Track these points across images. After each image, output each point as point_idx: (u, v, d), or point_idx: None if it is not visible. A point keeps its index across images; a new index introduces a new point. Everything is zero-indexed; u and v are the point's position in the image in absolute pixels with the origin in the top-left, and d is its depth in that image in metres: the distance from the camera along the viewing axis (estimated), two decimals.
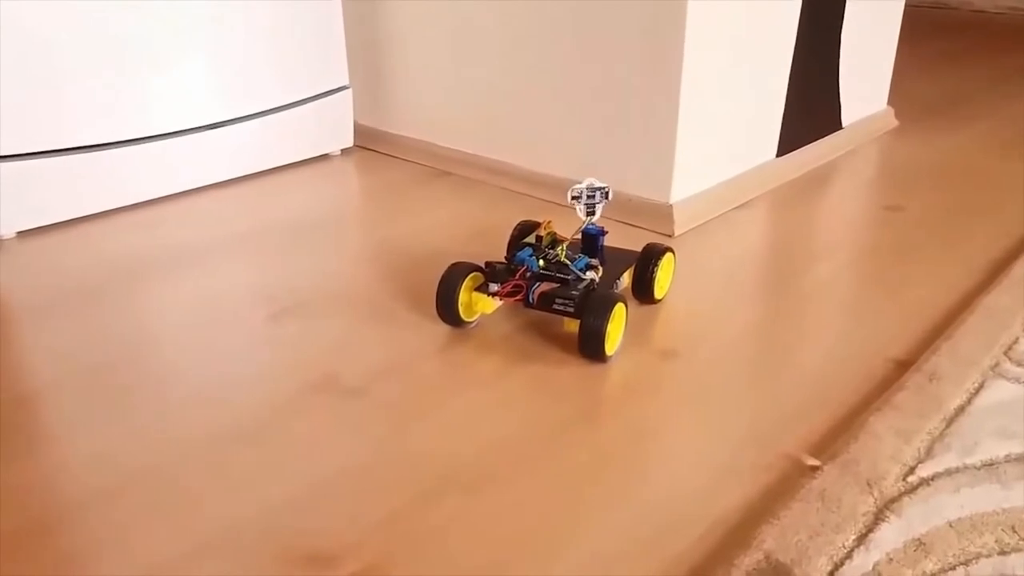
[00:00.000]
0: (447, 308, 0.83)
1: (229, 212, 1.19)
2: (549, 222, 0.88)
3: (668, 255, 0.90)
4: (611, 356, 0.80)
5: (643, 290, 0.89)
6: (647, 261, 0.88)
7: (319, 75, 1.36)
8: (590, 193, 0.83)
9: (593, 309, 0.77)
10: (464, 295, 0.83)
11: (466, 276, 0.83)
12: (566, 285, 0.80)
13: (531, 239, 0.87)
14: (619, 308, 0.79)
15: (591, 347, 0.78)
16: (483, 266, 0.84)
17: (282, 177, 1.33)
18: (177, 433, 0.70)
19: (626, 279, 0.88)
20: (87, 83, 1.10)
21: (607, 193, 0.84)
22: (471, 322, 0.85)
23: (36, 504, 0.62)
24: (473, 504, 0.62)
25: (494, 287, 0.81)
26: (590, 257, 0.84)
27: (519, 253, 0.82)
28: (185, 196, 1.24)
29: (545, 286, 0.80)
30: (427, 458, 0.68)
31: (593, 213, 0.84)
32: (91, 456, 0.68)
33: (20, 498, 0.63)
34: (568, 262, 0.82)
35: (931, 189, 1.28)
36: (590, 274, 0.82)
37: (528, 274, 0.81)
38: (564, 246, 0.83)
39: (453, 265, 0.84)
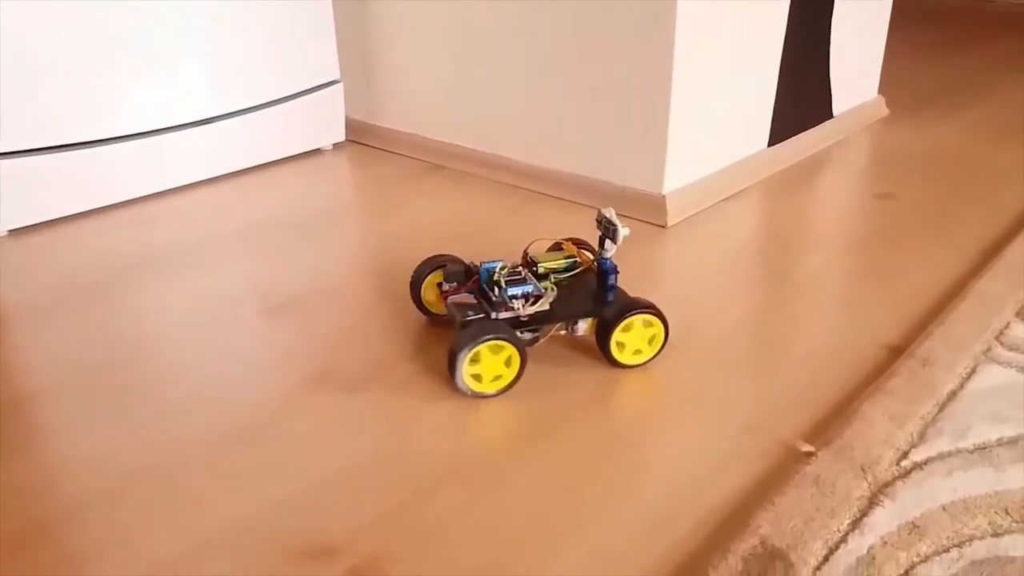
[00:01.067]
0: (413, 297, 0.85)
1: (221, 208, 1.19)
2: (568, 241, 0.84)
3: (642, 318, 0.76)
4: (488, 394, 0.74)
5: (601, 346, 0.78)
6: (614, 315, 0.76)
7: (310, 69, 1.35)
8: (606, 225, 0.78)
9: (459, 337, 0.72)
10: (428, 288, 0.84)
11: (433, 270, 0.83)
12: (487, 304, 0.76)
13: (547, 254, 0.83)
14: (491, 347, 0.71)
15: (449, 371, 0.73)
16: (466, 265, 0.84)
17: (274, 173, 1.33)
18: (177, 433, 0.71)
19: (586, 326, 0.79)
20: (77, 80, 1.10)
21: (613, 233, 0.77)
22: (443, 316, 0.86)
23: (36, 504, 0.63)
24: (472, 501, 0.63)
25: (445, 287, 0.81)
26: (601, 291, 0.78)
27: (486, 264, 0.80)
28: (176, 192, 1.24)
29: (465, 299, 0.78)
30: (426, 455, 0.68)
31: (602, 245, 0.79)
32: (91, 456, 0.68)
33: (20, 498, 0.63)
34: (503, 284, 0.76)
35: (922, 177, 1.29)
36: (519, 304, 0.75)
37: (477, 284, 0.79)
38: (504, 268, 0.78)
39: (428, 258, 0.84)
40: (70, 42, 1.08)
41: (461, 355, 0.71)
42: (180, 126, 1.22)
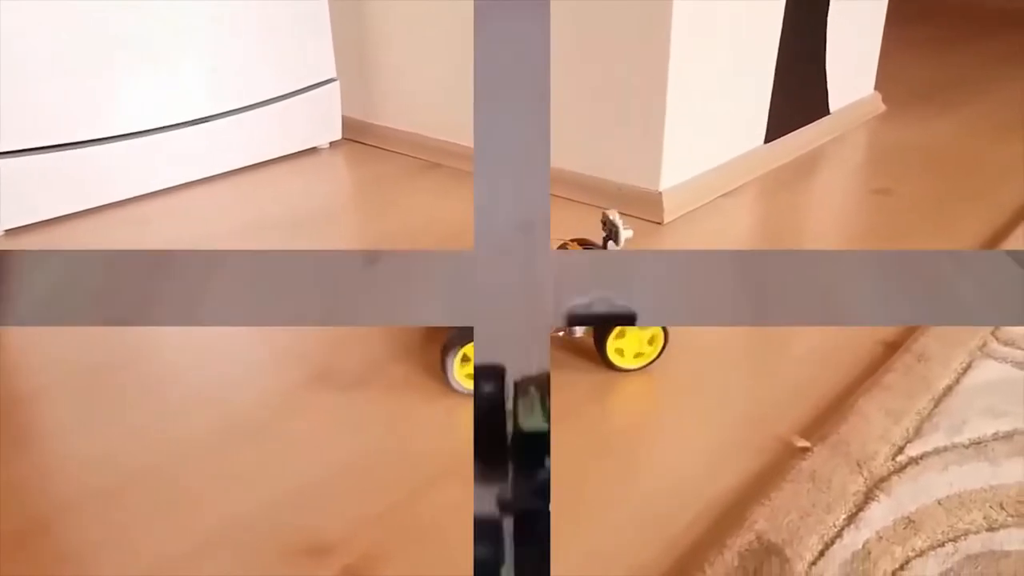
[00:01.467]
0: None
1: (218, 208, 1.19)
2: (573, 241, 0.84)
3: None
4: (463, 391, 0.74)
5: (598, 348, 0.77)
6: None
7: (306, 68, 1.35)
8: (610, 227, 0.78)
9: (450, 335, 0.73)
10: None
11: None
12: None
13: None
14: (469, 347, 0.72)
15: (442, 370, 0.74)
16: None
17: (271, 172, 1.33)
18: (177, 433, 0.71)
19: (584, 329, 0.79)
20: (74, 79, 1.10)
21: (616, 235, 0.77)
22: None
23: (36, 504, 0.63)
24: (469, 499, 0.63)
25: None
26: None
27: None
28: (173, 192, 1.24)
29: None
30: (424, 454, 0.68)
31: (605, 247, 0.79)
32: (91, 456, 0.68)
33: (20, 498, 0.63)
34: None
35: (919, 173, 1.29)
36: None
37: None
38: None
39: None
40: (68, 42, 1.08)
41: (451, 354, 0.72)
42: (176, 125, 1.22)
